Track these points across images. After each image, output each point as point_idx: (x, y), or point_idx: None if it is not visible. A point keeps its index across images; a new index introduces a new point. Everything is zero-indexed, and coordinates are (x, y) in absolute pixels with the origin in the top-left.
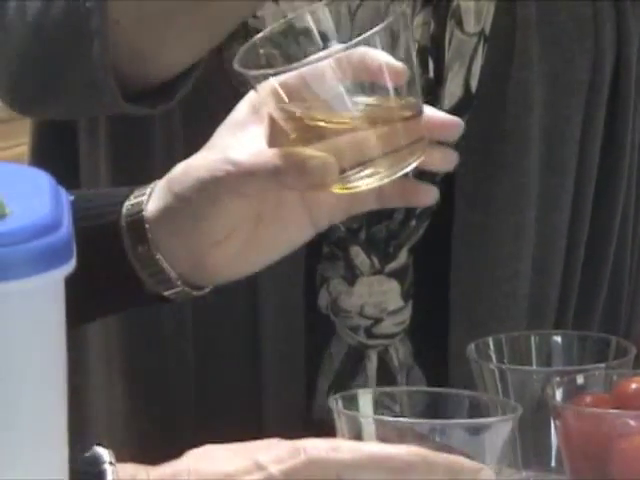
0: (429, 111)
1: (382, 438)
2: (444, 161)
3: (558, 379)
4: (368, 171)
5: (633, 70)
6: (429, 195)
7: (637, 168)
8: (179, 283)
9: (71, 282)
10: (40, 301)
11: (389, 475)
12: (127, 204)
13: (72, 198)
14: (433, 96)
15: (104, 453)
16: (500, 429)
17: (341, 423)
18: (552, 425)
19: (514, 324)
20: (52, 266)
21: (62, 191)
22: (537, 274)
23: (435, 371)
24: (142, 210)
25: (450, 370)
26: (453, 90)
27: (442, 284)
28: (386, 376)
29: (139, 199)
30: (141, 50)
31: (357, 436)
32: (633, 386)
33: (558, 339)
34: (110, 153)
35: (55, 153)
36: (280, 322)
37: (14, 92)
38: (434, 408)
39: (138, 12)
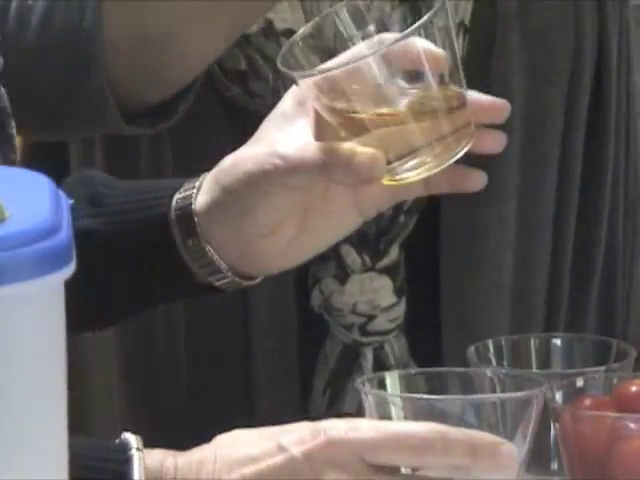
0: (475, 95)
1: (410, 417)
2: (495, 143)
3: (558, 382)
4: (415, 161)
5: (614, 57)
6: (478, 180)
7: (625, 158)
8: (230, 274)
9: (120, 273)
10: (40, 305)
11: (408, 452)
12: (177, 197)
13: (72, 201)
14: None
15: (132, 439)
16: (530, 403)
17: (369, 404)
18: (552, 428)
19: (501, 317)
20: (52, 270)
21: (62, 194)
22: (522, 266)
23: (431, 367)
24: (191, 203)
25: (444, 365)
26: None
27: (436, 279)
28: None
29: (189, 192)
30: (156, 61)
31: (385, 416)
32: (633, 389)
33: (558, 342)
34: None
35: (45, 162)
36: (272, 323)
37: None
38: (458, 388)
39: (136, 34)
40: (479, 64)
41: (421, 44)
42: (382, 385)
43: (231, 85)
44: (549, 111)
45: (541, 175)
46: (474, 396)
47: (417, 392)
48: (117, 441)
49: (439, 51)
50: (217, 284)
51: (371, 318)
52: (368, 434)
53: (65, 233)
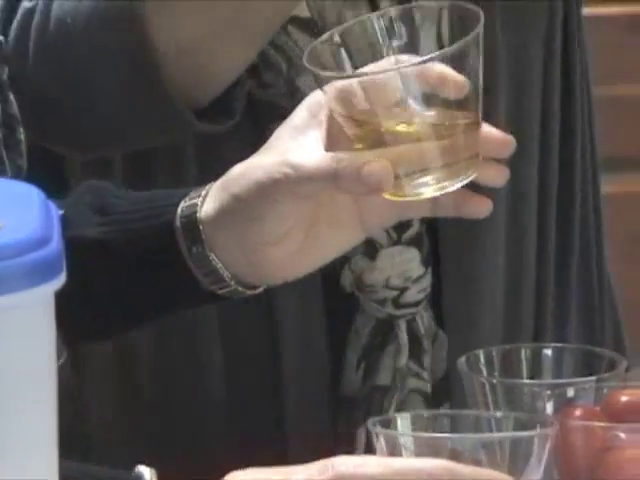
0: (485, 128)
1: (421, 456)
2: (498, 177)
3: (549, 392)
4: (422, 181)
5: (575, 31)
6: (484, 206)
7: (590, 137)
8: (233, 283)
9: (127, 282)
10: (30, 315)
11: None
12: (182, 205)
13: (61, 212)
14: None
15: (146, 472)
16: (538, 443)
17: (380, 445)
18: None
19: (495, 289)
20: (42, 280)
21: (52, 205)
22: (513, 238)
23: (451, 338)
24: (196, 212)
25: (447, 331)
26: (428, 51)
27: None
28: (414, 344)
29: (194, 201)
30: (193, 71)
31: (396, 456)
32: (623, 399)
33: (548, 352)
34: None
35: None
36: (299, 306)
37: (79, 141)
38: (474, 429)
39: (183, 39)
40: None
41: (444, 69)
42: (393, 427)
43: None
44: (531, 69)
45: (529, 132)
46: (484, 435)
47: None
48: (132, 474)
49: (460, 77)
50: (220, 292)
51: (403, 290)
52: (376, 469)
53: (55, 244)
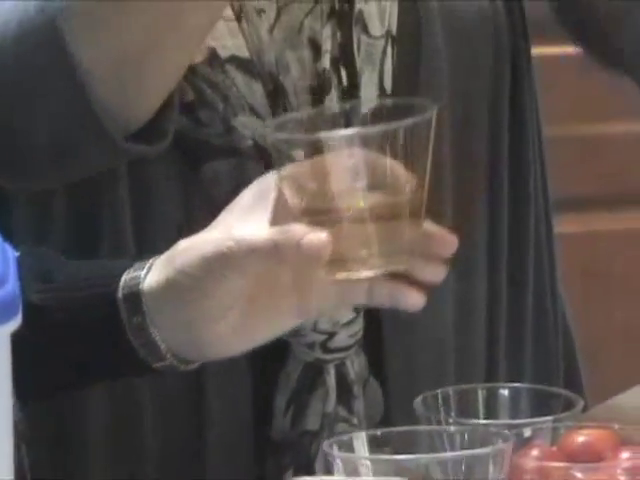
0: (427, 225)
1: (378, 476)
2: (434, 275)
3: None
4: (359, 263)
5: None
6: (416, 301)
7: (539, 161)
8: (169, 356)
9: (66, 349)
10: None
11: None
12: (125, 276)
13: (18, 254)
14: (351, 104)
15: None
16: (493, 460)
17: (337, 467)
18: None
19: (439, 334)
20: None
21: (8, 247)
22: (460, 275)
23: (392, 382)
24: (139, 283)
25: (386, 376)
26: (369, 94)
27: None
28: (343, 389)
29: (137, 272)
30: (123, 90)
31: (354, 477)
32: (580, 439)
33: (505, 392)
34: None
35: None
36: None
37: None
38: (428, 446)
39: (111, 55)
40: (408, 69)
41: (389, 161)
42: (349, 447)
43: (179, 117)
44: (476, 109)
45: (473, 171)
46: (440, 454)
47: (384, 452)
48: None
49: (403, 173)
50: (154, 365)
51: (332, 335)
52: None
53: (11, 285)
